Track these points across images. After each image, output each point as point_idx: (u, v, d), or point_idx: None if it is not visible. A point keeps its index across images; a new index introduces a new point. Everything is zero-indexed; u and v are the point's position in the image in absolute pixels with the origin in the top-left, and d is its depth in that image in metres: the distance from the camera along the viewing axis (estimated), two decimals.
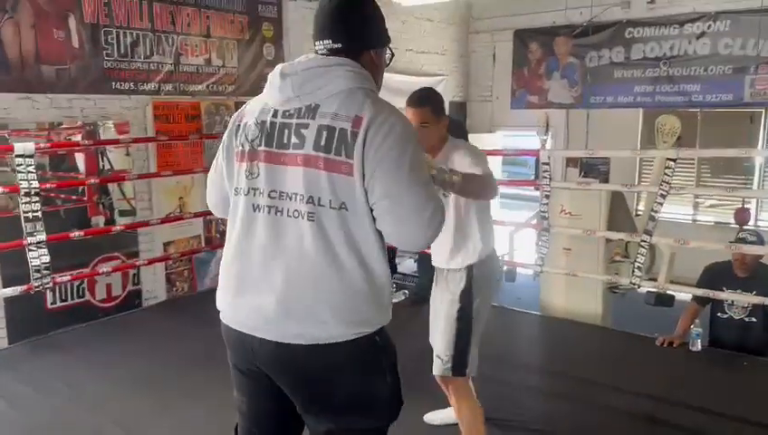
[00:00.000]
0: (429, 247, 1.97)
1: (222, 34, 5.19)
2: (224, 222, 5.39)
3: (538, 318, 4.57)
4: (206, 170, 5.35)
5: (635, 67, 7.25)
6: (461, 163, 2.29)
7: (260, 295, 1.44)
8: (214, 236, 5.28)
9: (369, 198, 1.38)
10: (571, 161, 7.77)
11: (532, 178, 8.72)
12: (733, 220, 6.52)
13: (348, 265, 1.39)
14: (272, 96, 1.49)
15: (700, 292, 3.64)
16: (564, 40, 7.66)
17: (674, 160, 3.65)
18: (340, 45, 1.47)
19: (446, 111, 2.53)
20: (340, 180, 1.36)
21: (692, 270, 3.97)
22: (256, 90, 5.42)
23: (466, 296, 2.40)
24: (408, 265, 6.19)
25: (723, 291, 3.56)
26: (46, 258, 3.48)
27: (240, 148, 1.51)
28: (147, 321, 4.45)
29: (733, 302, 3.57)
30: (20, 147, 3.46)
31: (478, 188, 2.26)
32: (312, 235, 1.38)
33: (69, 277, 3.92)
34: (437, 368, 2.43)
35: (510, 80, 8.13)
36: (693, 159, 7.10)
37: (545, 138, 6.09)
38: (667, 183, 3.65)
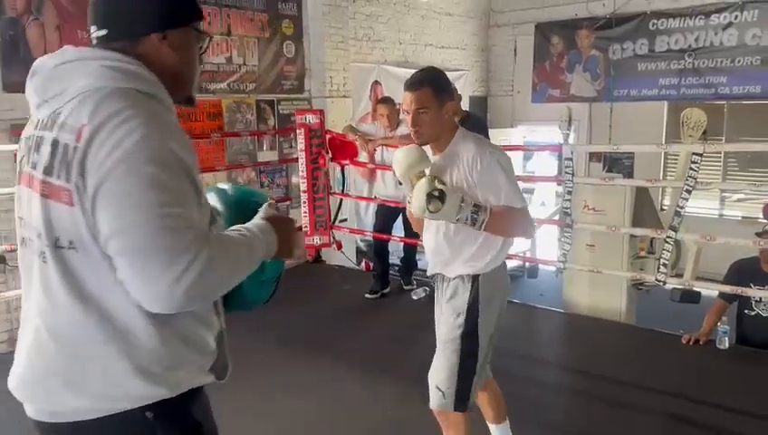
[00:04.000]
0: None
1: (243, 33, 5.22)
2: None
3: (561, 315, 4.53)
4: (229, 168, 5.36)
5: (659, 59, 7.13)
6: (486, 179, 1.96)
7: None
8: None
9: (98, 236, 1.04)
10: (594, 156, 7.69)
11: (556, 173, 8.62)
12: (761, 215, 6.38)
13: (83, 322, 1.07)
14: (29, 101, 1.17)
15: (727, 288, 3.57)
16: (587, 32, 7.56)
17: (700, 155, 3.58)
18: (105, 32, 1.14)
19: (458, 94, 2.25)
20: (62, 212, 1.05)
21: (718, 266, 3.89)
22: (276, 87, 5.50)
23: (471, 314, 2.05)
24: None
25: (750, 287, 3.49)
26: None
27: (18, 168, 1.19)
28: None
29: (760, 298, 3.50)
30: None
31: (511, 228, 2.00)
32: (41, 282, 1.10)
33: None
34: (435, 401, 2.08)
35: (531, 74, 8.06)
36: (719, 153, 6.97)
37: (567, 132, 6.01)
38: (693, 178, 3.58)
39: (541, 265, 5.02)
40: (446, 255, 2.08)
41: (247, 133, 5.28)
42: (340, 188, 5.18)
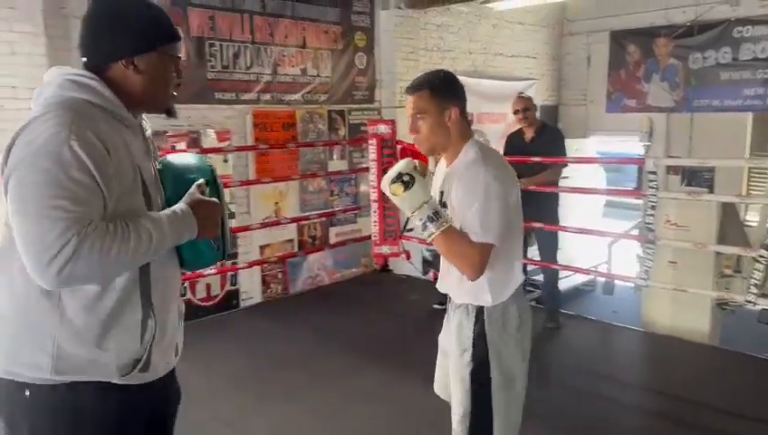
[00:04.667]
0: None
1: (317, 45, 5.32)
2: (315, 226, 5.44)
3: (639, 333, 4.36)
4: (302, 177, 5.47)
5: (744, 68, 6.78)
6: (462, 195, 1.77)
7: None
8: (306, 241, 5.41)
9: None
10: (671, 168, 7.38)
11: (630, 186, 8.33)
12: None
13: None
14: None
15: None
16: (665, 41, 7.29)
17: None
18: (85, 59, 1.35)
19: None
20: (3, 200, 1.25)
21: None
22: (347, 98, 5.58)
23: (478, 350, 1.84)
24: None
25: None
26: None
27: None
28: (245, 321, 4.62)
29: None
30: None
31: (453, 258, 1.79)
32: None
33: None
34: None
35: (605, 83, 7.83)
36: None
37: (648, 144, 5.79)
38: None
39: (617, 282, 4.85)
40: (453, 275, 1.88)
41: (321, 143, 5.37)
42: None
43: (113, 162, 1.25)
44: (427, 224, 1.74)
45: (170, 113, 1.48)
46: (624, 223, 6.97)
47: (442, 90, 1.82)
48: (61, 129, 1.20)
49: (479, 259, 1.73)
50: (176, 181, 1.45)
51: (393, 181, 1.75)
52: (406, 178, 1.74)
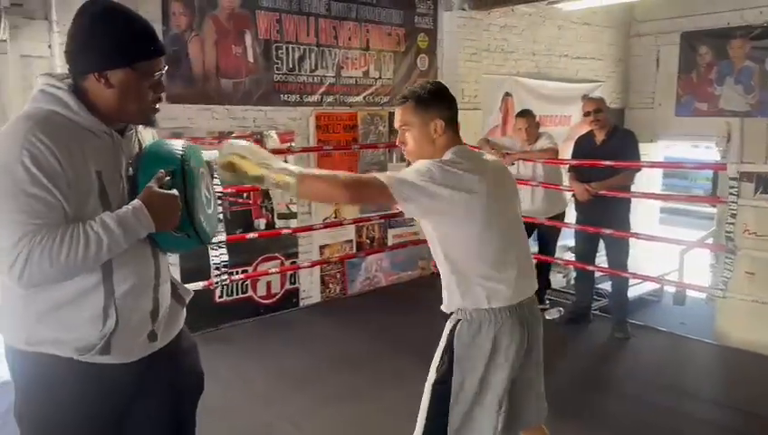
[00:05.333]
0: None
1: (380, 47, 5.33)
2: (373, 228, 5.44)
3: (712, 347, 4.17)
4: None
5: None
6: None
7: None
8: (364, 242, 5.42)
9: None
10: (743, 175, 7.03)
11: (695, 192, 8.01)
12: None
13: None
14: None
15: None
16: (740, 42, 6.96)
17: None
18: (68, 67, 1.45)
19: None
20: None
21: None
22: None
23: (444, 361, 1.79)
24: (558, 281, 5.94)
25: None
26: (225, 257, 3.77)
27: None
28: (305, 320, 4.66)
29: None
30: (207, 154, 3.76)
31: (319, 189, 1.72)
32: None
33: (242, 276, 4.21)
34: None
35: (675, 85, 7.55)
36: None
37: (726, 149, 5.53)
38: None
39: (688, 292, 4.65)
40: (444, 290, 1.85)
41: (384, 145, 5.38)
42: None
43: (66, 172, 1.34)
44: (280, 179, 1.65)
45: (148, 123, 1.55)
46: (684, 230, 6.69)
47: (426, 101, 1.81)
48: (14, 146, 1.31)
49: (352, 181, 1.69)
50: (143, 172, 1.49)
51: (222, 168, 1.68)
52: (231, 160, 1.67)
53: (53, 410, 1.47)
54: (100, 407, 1.51)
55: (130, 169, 1.50)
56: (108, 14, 1.43)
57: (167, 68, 1.52)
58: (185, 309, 1.76)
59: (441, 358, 1.81)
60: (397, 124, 1.86)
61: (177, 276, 3.86)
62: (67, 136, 1.37)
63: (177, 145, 1.57)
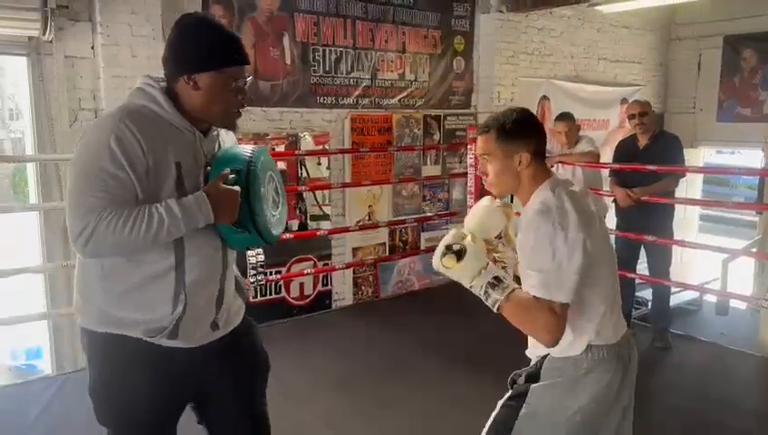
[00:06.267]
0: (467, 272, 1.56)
1: (416, 50, 5.32)
2: (407, 231, 5.42)
3: (755, 358, 4.03)
4: (401, 181, 5.43)
5: None
6: (520, 245, 1.65)
7: None
8: (397, 245, 5.41)
9: None
10: None
11: (736, 199, 7.80)
12: None
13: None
14: None
15: None
16: None
17: None
18: (164, 71, 1.60)
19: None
20: None
21: None
22: (444, 103, 5.54)
23: (519, 394, 1.74)
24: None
25: None
26: (262, 257, 3.79)
27: None
28: (338, 322, 4.66)
29: None
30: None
31: (522, 324, 1.60)
32: None
33: (278, 277, 4.23)
34: None
35: (717, 90, 7.37)
36: None
37: None
38: None
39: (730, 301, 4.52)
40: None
41: (421, 148, 5.36)
42: None
43: (147, 158, 1.48)
44: (489, 291, 1.57)
45: (230, 127, 1.68)
46: (724, 239, 6.50)
47: (510, 133, 1.66)
48: (105, 130, 1.47)
49: (548, 322, 1.53)
50: (215, 169, 1.62)
51: (443, 255, 1.62)
52: (456, 248, 1.61)
53: (123, 387, 1.61)
54: (168, 387, 1.63)
55: (208, 166, 1.62)
56: (199, 24, 1.61)
57: (251, 78, 1.66)
58: (244, 304, 1.86)
59: (524, 382, 1.77)
60: (477, 152, 1.74)
61: None
62: (153, 127, 1.51)
63: (248, 149, 1.69)
